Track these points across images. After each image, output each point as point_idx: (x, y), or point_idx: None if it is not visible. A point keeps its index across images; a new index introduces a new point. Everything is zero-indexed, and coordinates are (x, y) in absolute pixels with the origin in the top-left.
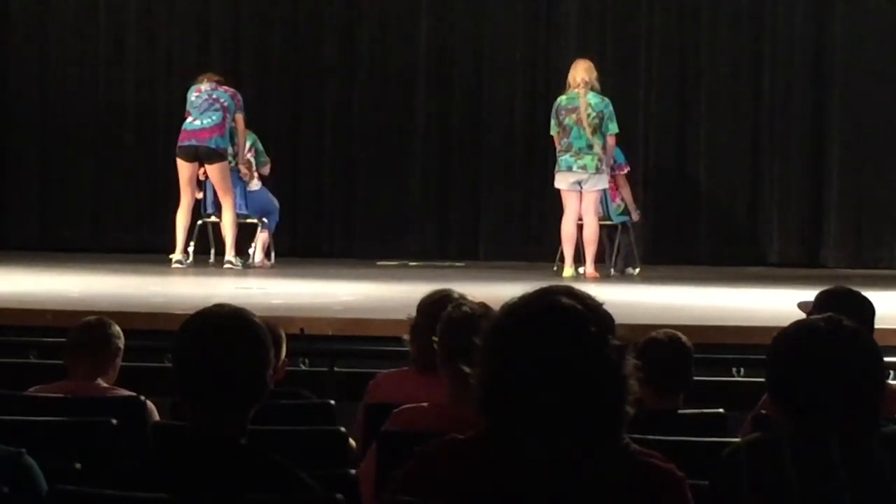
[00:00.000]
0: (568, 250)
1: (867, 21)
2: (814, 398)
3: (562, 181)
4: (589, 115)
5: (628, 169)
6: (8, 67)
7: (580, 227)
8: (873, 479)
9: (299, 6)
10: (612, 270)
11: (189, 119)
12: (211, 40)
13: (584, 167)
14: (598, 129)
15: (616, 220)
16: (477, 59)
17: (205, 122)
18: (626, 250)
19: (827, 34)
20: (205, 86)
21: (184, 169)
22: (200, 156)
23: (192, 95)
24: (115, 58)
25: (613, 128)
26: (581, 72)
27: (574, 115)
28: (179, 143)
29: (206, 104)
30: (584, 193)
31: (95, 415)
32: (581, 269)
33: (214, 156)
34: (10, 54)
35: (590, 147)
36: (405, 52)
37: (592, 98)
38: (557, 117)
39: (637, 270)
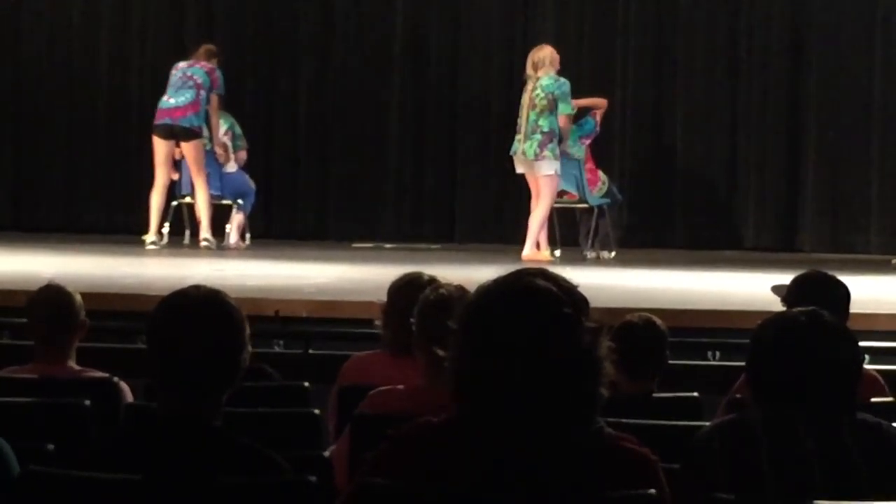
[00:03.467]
0: (542, 234)
1: (845, 8)
2: (792, 388)
3: (517, 165)
4: (537, 96)
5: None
6: None
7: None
8: (845, 463)
9: None
10: (587, 254)
11: (164, 97)
12: (185, 19)
13: (524, 153)
14: (551, 111)
15: (592, 202)
16: (453, 40)
17: (179, 100)
18: (602, 233)
19: (804, 20)
20: (183, 63)
21: (160, 146)
22: (176, 134)
23: (171, 73)
24: (88, 37)
25: (564, 108)
26: (535, 56)
27: (525, 97)
28: (154, 122)
29: (180, 81)
30: (537, 178)
31: (68, 396)
32: (557, 252)
33: (190, 134)
34: None
35: (533, 131)
36: (380, 33)
37: (545, 80)
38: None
39: (612, 254)
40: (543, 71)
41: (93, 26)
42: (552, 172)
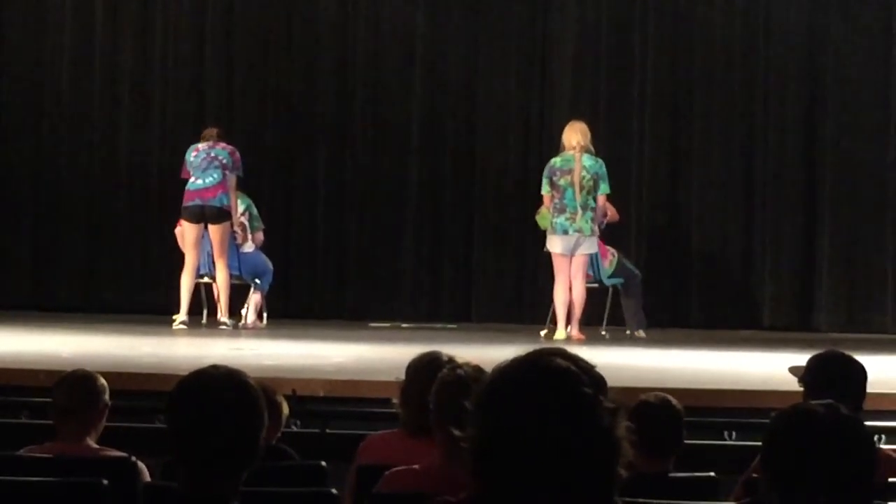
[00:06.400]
0: (561, 313)
1: (859, 81)
2: (809, 480)
3: (556, 244)
4: (584, 178)
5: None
6: (2, 125)
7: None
8: None
9: (294, 68)
10: (604, 333)
11: (192, 179)
12: (205, 101)
13: (579, 230)
14: (593, 192)
15: (607, 282)
16: (470, 122)
17: (207, 180)
18: (631, 312)
19: (819, 97)
20: (202, 144)
21: (189, 231)
22: (206, 215)
23: (191, 156)
24: (109, 117)
25: (605, 188)
26: (577, 134)
27: (569, 177)
28: (185, 204)
29: (205, 163)
30: (575, 256)
31: (86, 475)
32: (568, 329)
33: (220, 215)
34: (4, 112)
35: (584, 209)
36: (398, 114)
37: (587, 160)
38: (551, 178)
39: (642, 333)
40: (585, 146)
41: (113, 104)
42: (595, 251)
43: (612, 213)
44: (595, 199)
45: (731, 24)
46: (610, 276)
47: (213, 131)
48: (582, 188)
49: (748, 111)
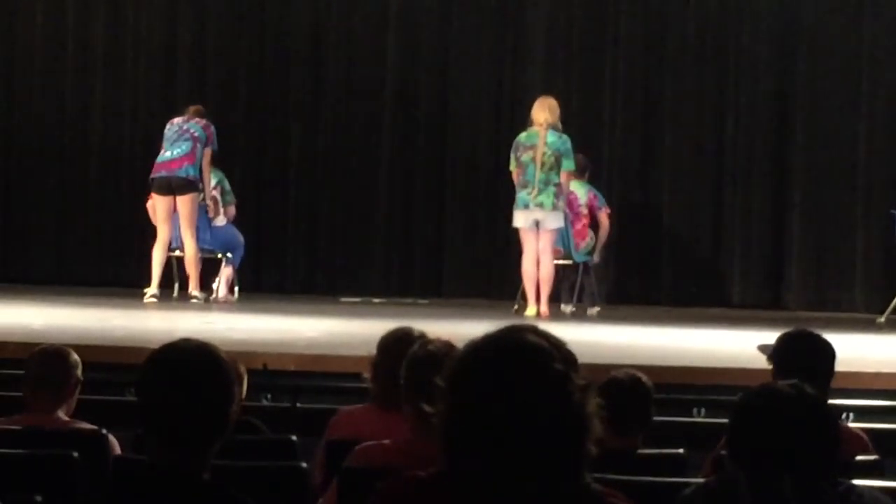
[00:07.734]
0: (529, 289)
1: (829, 67)
2: (774, 457)
3: (519, 219)
4: (545, 154)
5: (609, 211)
6: None
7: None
8: None
9: (265, 44)
10: (572, 308)
11: (161, 151)
12: (177, 77)
13: (540, 205)
14: (555, 168)
15: (577, 259)
16: (442, 97)
17: (175, 152)
18: (588, 290)
19: (789, 80)
20: (178, 118)
21: (161, 203)
22: (173, 186)
23: (166, 129)
24: (82, 91)
25: (568, 164)
26: (545, 111)
27: (531, 153)
28: (151, 176)
29: (176, 135)
30: (540, 232)
31: (57, 448)
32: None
33: (186, 185)
34: None
35: (545, 184)
36: (370, 89)
37: (550, 136)
38: (516, 153)
39: (597, 310)
40: (552, 123)
41: (86, 83)
42: (561, 225)
43: (605, 228)
44: (558, 177)
45: (705, 2)
46: (586, 254)
47: (192, 108)
48: (543, 164)
49: (720, 88)
